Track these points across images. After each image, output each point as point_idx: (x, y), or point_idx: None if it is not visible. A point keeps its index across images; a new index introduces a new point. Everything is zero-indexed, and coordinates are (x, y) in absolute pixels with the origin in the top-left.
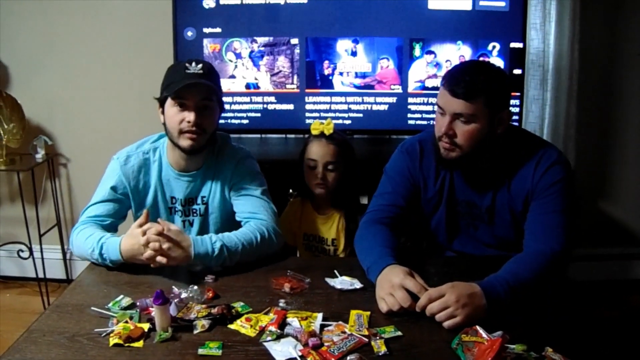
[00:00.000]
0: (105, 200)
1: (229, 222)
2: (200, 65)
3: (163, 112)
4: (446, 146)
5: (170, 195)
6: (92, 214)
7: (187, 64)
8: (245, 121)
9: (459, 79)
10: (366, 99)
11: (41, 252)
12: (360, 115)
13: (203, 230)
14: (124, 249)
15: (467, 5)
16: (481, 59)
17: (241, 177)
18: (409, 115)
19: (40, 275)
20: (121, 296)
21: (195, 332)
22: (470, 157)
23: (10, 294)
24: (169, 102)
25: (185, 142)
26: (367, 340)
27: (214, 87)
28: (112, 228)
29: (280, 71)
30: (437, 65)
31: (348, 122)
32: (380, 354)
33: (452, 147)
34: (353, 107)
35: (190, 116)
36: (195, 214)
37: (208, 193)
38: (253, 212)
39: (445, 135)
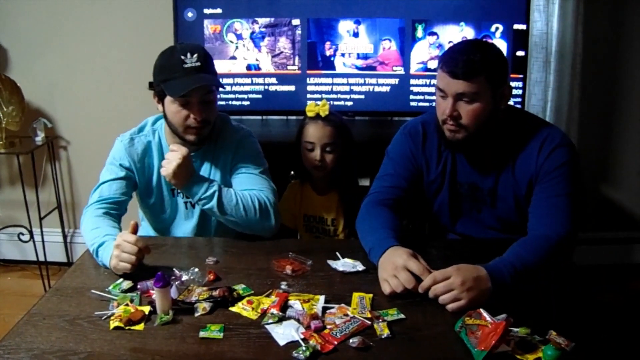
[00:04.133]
0: (116, 178)
1: None
2: (196, 56)
3: (160, 102)
4: (451, 128)
5: None
6: (106, 194)
7: (182, 56)
8: (246, 102)
9: (457, 60)
10: (368, 80)
11: (41, 235)
12: (362, 96)
13: (204, 212)
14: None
15: None
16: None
17: (242, 158)
18: (411, 97)
19: (41, 258)
20: (121, 279)
21: (196, 314)
22: (477, 137)
23: (11, 277)
24: (169, 98)
25: (191, 137)
26: (369, 322)
27: (216, 80)
28: (122, 208)
29: (282, 52)
30: (440, 46)
31: (350, 103)
32: (383, 336)
33: (458, 128)
34: (355, 88)
35: (195, 113)
36: None
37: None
38: (251, 188)
39: (449, 117)
